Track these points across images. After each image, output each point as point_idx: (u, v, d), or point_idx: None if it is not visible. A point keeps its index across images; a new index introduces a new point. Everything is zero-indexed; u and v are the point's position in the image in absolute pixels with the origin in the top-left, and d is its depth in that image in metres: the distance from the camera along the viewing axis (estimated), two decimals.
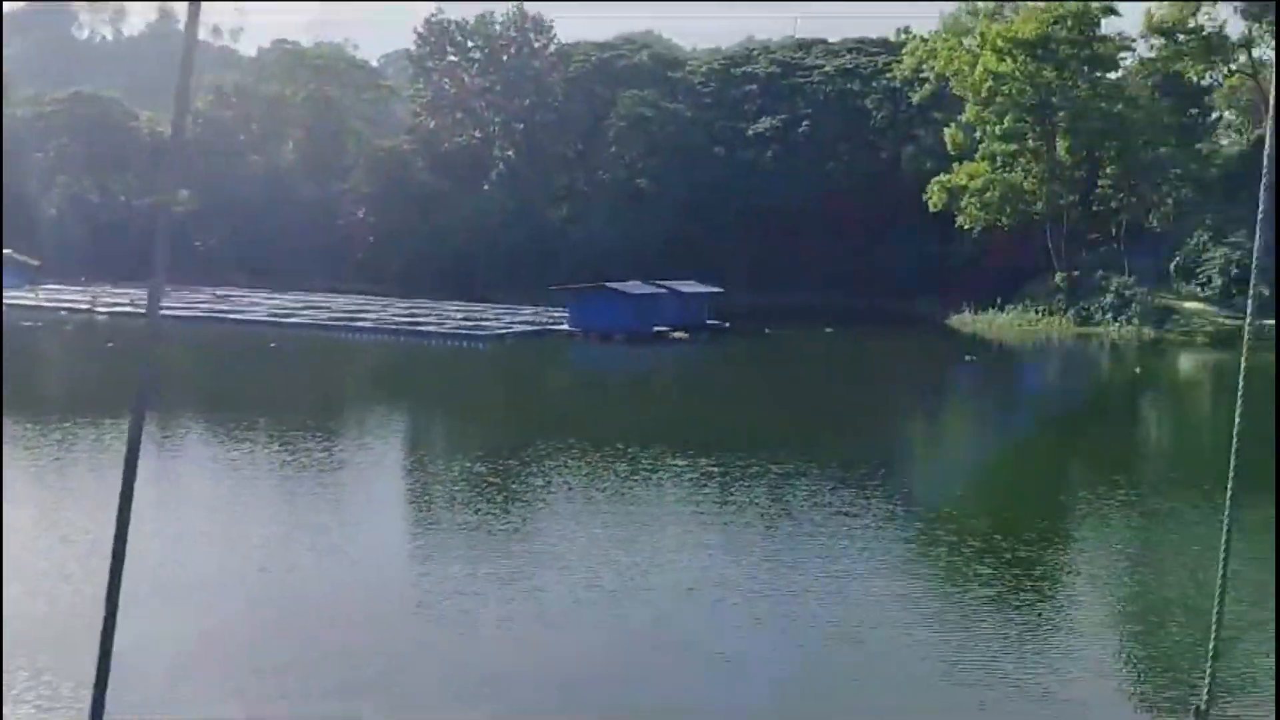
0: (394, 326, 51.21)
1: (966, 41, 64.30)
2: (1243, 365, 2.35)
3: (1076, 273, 58.18)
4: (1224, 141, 59.44)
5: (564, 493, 21.78)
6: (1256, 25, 55.93)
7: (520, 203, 75.03)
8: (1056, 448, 30.46)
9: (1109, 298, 55.43)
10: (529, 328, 51.78)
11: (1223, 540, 2.46)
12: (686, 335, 50.62)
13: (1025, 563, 17.93)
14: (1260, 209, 3.14)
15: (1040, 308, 57.73)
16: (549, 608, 15.00)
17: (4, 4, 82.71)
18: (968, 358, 46.93)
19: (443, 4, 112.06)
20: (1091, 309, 55.86)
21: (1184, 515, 20.81)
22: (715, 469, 23.44)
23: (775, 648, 14.06)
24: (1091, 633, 14.95)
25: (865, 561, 17.58)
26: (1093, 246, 61.02)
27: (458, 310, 56.83)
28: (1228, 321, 51.09)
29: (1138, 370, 43.76)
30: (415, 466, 24.76)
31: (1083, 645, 14.40)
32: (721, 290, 56.35)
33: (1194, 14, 58.16)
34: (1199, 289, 53.72)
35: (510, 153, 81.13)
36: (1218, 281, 53.34)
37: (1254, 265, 3.39)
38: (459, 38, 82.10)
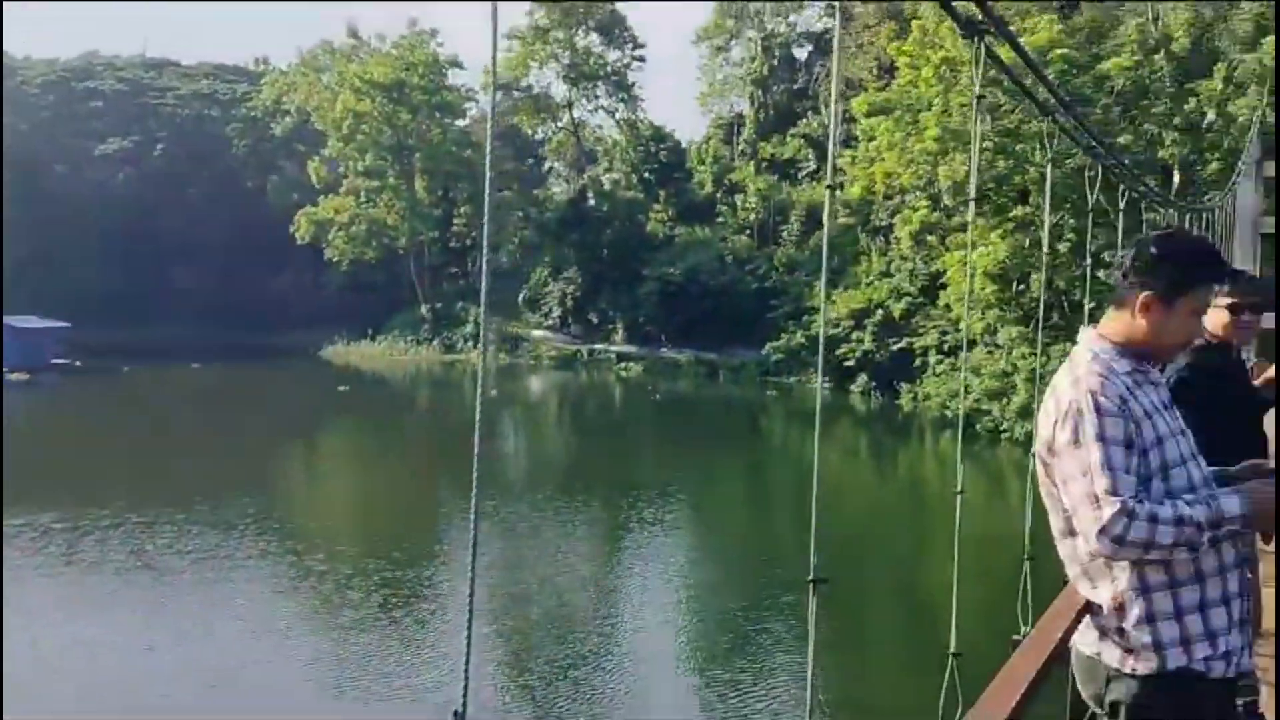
0: None
1: (325, 78, 65.59)
2: (479, 396, 3.00)
3: (439, 304, 62.19)
4: (555, 190, 67.34)
5: None
6: (575, 89, 64.90)
7: None
8: (424, 469, 32.30)
9: (469, 327, 60.13)
10: None
11: (470, 559, 2.94)
12: (27, 377, 45.15)
13: (394, 582, 18.86)
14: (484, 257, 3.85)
15: (409, 337, 60.84)
16: None
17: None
18: (340, 388, 47.79)
19: None
20: (454, 338, 60.15)
21: (533, 520, 23.36)
22: (59, 525, 21.21)
23: (144, 708, 13.26)
24: (451, 640, 16.23)
25: (237, 602, 17.25)
26: (453, 279, 65.60)
27: None
28: (566, 346, 58.19)
29: (494, 393, 47.88)
30: None
31: (445, 653, 15.60)
32: (70, 325, 50.90)
33: (525, 75, 65.41)
34: (543, 319, 60.37)
35: None
36: (557, 312, 60.44)
37: (483, 300, 4.11)
38: None
